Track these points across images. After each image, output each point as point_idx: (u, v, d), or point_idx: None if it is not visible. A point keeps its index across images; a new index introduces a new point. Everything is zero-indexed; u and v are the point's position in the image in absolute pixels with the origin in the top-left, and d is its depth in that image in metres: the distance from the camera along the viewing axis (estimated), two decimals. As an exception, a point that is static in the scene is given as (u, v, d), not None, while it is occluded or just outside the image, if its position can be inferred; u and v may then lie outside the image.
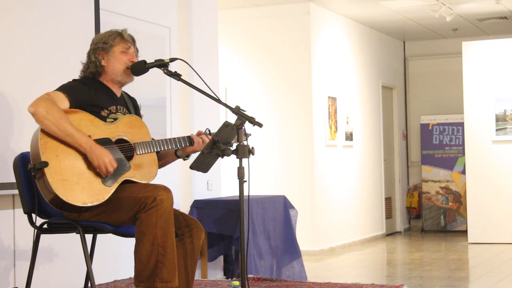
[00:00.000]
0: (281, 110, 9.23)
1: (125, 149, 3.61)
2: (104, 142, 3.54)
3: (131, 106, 3.87)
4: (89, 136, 3.50)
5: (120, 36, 3.74)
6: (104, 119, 3.63)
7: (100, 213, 3.55)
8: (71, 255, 4.85)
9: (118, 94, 3.79)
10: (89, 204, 3.43)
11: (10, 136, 4.46)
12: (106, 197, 3.47)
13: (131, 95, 3.98)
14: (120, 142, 3.62)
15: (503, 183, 9.77)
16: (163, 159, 3.88)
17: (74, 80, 3.72)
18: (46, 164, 3.36)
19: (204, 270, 6.16)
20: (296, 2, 9.11)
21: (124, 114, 3.76)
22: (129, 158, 3.61)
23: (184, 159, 3.89)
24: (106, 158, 3.46)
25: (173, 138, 3.75)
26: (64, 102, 3.51)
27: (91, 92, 3.64)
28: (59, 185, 3.37)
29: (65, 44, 4.91)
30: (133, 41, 3.80)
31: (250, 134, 3.71)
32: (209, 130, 3.85)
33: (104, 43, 3.72)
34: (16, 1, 4.57)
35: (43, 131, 3.43)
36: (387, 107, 11.61)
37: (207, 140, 3.76)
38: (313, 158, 9.05)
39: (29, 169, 3.45)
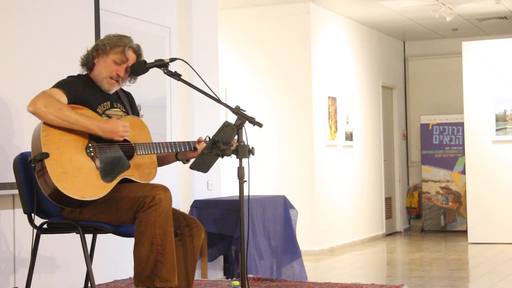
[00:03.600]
0: (281, 110, 9.23)
1: (126, 148, 3.61)
2: (105, 140, 3.55)
3: (126, 101, 3.86)
4: (92, 118, 3.50)
5: (123, 48, 3.72)
6: (99, 116, 3.63)
7: (99, 213, 3.56)
8: (71, 255, 4.85)
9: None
10: (87, 198, 3.43)
11: (10, 136, 4.46)
12: (105, 193, 3.48)
13: (128, 90, 3.98)
14: (121, 141, 3.62)
15: (503, 183, 9.76)
16: (163, 160, 3.89)
17: (69, 76, 3.73)
18: (47, 155, 3.36)
19: (204, 270, 6.16)
20: (296, 2, 9.11)
21: (120, 109, 3.77)
22: (129, 157, 3.62)
23: (184, 163, 3.90)
24: (119, 131, 3.52)
25: (174, 142, 3.76)
26: (61, 97, 3.52)
27: (86, 88, 3.66)
28: (59, 177, 3.37)
29: (65, 44, 4.91)
30: (137, 55, 3.76)
31: (253, 147, 3.70)
32: (209, 137, 3.84)
33: (104, 45, 3.73)
34: (16, 1, 4.57)
35: (45, 123, 3.43)
36: (387, 107, 11.61)
37: None
38: (313, 158, 9.05)
39: (29, 161, 3.45)
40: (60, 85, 3.59)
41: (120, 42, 3.73)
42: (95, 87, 3.73)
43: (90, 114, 3.57)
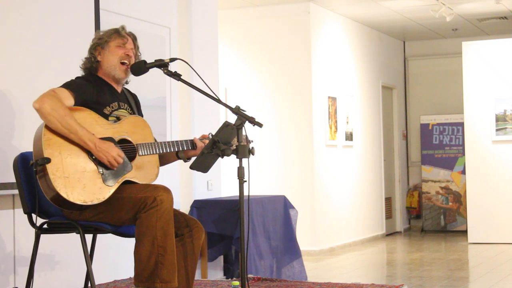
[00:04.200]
0: (281, 110, 9.23)
1: (128, 149, 3.61)
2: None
3: (132, 102, 3.87)
4: (93, 134, 3.50)
5: (117, 32, 3.77)
6: (106, 116, 3.64)
7: (100, 213, 3.55)
8: (71, 255, 4.85)
9: (119, 90, 3.81)
10: (89, 203, 3.43)
11: (10, 135, 4.46)
12: (107, 196, 3.48)
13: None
14: (123, 142, 3.62)
15: (503, 183, 9.76)
16: (164, 159, 3.89)
17: (77, 78, 3.73)
18: (48, 160, 3.36)
19: (204, 270, 6.16)
20: (296, 2, 9.11)
21: (126, 110, 3.77)
22: (131, 158, 3.61)
23: (185, 161, 3.90)
24: (113, 152, 3.47)
25: (176, 141, 3.76)
26: (69, 99, 3.51)
27: (94, 89, 3.66)
28: (61, 182, 3.37)
29: (65, 44, 4.91)
30: (133, 38, 3.82)
31: (252, 141, 3.72)
32: (211, 135, 3.84)
33: (99, 39, 3.76)
34: (16, 1, 4.57)
35: (47, 127, 3.43)
36: (387, 107, 11.61)
37: None
38: (313, 158, 9.05)
39: (31, 165, 3.44)
40: (69, 86, 3.58)
41: (111, 30, 3.80)
42: (104, 86, 3.72)
43: (94, 117, 3.56)
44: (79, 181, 3.42)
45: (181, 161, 3.93)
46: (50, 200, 3.44)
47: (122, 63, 3.73)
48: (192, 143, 3.80)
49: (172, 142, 3.75)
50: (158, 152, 3.69)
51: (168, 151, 3.73)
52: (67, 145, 3.44)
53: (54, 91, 3.49)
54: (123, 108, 3.75)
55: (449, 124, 11.47)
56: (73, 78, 3.70)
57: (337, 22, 9.91)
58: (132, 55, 3.77)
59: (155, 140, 3.79)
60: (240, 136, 3.48)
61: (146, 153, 3.65)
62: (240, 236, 3.45)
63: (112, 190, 3.49)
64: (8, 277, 4.49)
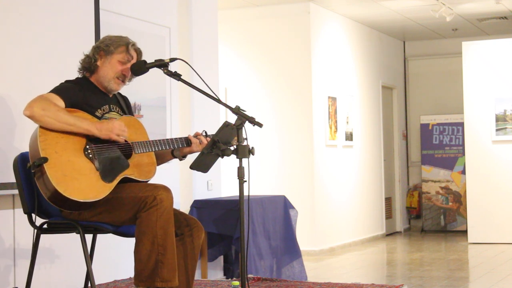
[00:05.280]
0: (281, 110, 9.23)
1: (124, 148, 3.61)
2: (102, 141, 3.55)
3: (123, 104, 3.88)
4: (88, 120, 3.50)
5: (126, 47, 3.73)
6: (98, 119, 3.63)
7: (100, 213, 3.56)
8: (71, 255, 4.85)
9: (110, 94, 3.80)
10: (89, 200, 3.43)
11: (10, 136, 4.46)
12: (106, 193, 3.48)
13: (127, 94, 3.99)
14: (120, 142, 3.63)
15: (503, 183, 9.76)
16: (159, 159, 3.89)
17: (66, 81, 3.72)
18: (45, 159, 3.36)
19: (204, 270, 6.17)
20: (296, 2, 9.11)
21: (117, 112, 3.77)
22: (128, 157, 3.62)
23: (180, 159, 3.90)
24: (116, 128, 3.52)
25: (171, 139, 3.76)
26: (58, 102, 3.51)
27: (85, 92, 3.65)
28: (59, 180, 3.37)
29: (65, 44, 4.91)
30: (139, 54, 3.79)
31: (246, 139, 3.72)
32: (205, 132, 3.86)
33: (107, 46, 3.72)
34: (16, 1, 4.57)
35: (42, 128, 3.43)
36: (387, 107, 11.61)
37: (204, 141, 3.78)
38: (313, 158, 9.05)
39: (28, 167, 3.44)
40: (57, 90, 3.58)
41: (121, 41, 3.74)
42: (95, 90, 3.72)
43: (87, 117, 3.56)
44: (77, 179, 3.42)
45: (181, 161, 3.93)
46: (49, 199, 3.43)
47: (117, 78, 3.72)
48: (187, 140, 3.81)
49: (167, 140, 3.75)
50: (153, 150, 3.69)
51: (163, 148, 3.73)
52: (63, 145, 3.45)
53: (42, 95, 3.50)
54: (114, 111, 3.75)
55: (449, 124, 11.48)
56: (62, 82, 3.70)
57: (337, 22, 9.92)
58: (129, 74, 3.74)
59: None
60: (240, 136, 3.49)
61: (142, 151, 3.66)
62: (240, 236, 3.45)
63: (111, 187, 3.50)
64: (8, 277, 4.50)
